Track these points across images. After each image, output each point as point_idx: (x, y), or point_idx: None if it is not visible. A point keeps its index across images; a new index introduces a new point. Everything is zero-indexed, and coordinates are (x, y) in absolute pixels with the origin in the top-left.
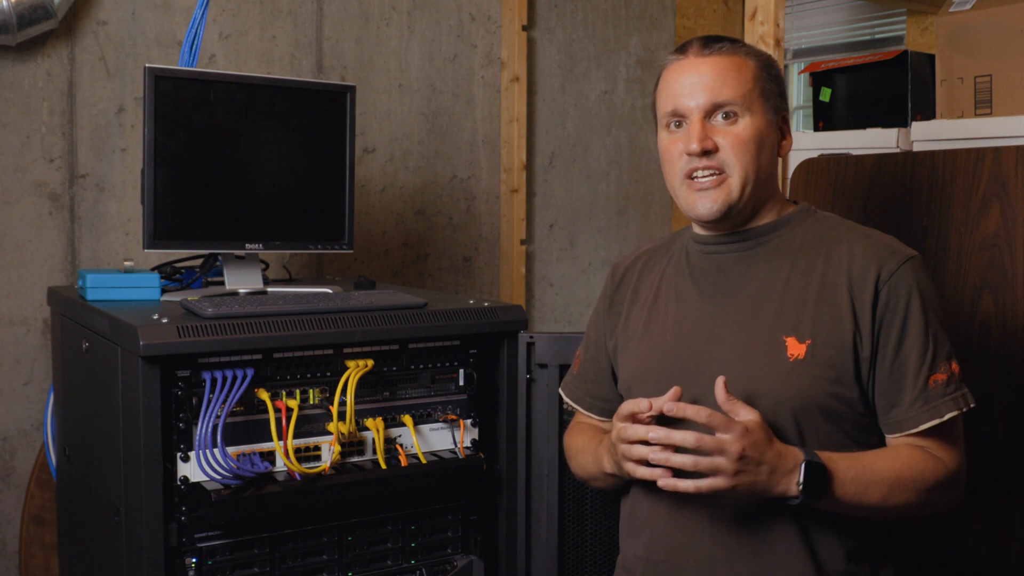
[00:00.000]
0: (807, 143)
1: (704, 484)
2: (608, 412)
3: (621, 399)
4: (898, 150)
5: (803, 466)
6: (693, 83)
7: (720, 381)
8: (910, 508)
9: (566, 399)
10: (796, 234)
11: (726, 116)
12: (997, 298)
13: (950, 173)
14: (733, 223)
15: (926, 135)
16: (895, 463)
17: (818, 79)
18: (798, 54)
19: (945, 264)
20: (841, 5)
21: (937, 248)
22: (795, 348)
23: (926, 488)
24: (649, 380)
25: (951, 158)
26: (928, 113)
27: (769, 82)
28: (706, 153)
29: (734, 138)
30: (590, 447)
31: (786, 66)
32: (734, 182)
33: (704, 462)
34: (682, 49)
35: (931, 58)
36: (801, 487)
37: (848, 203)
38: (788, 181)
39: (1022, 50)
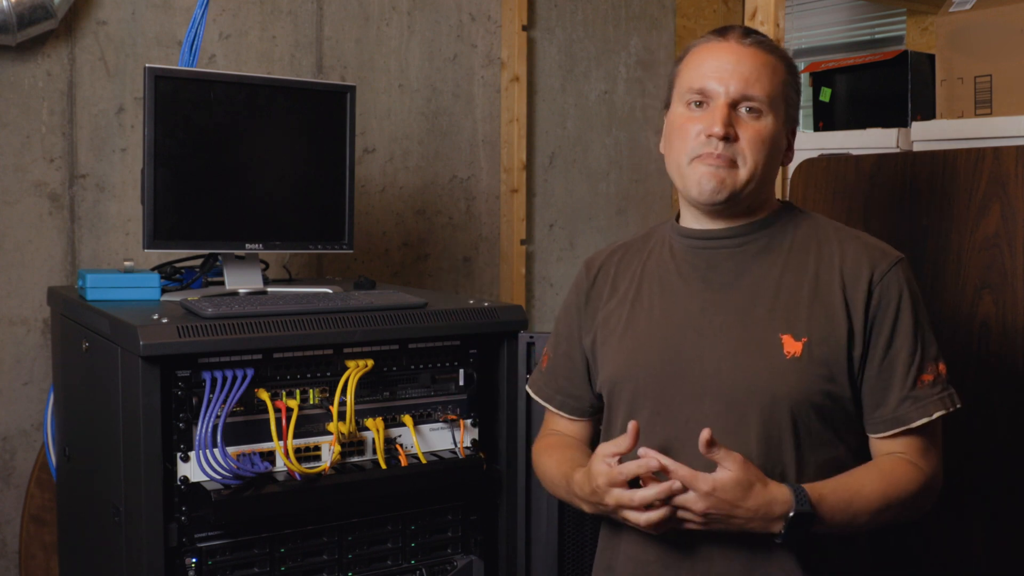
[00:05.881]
0: (807, 143)
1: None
2: (579, 411)
3: (594, 397)
4: (898, 150)
5: (789, 517)
6: (730, 67)
7: (705, 433)
8: (890, 522)
9: (534, 397)
10: (786, 232)
11: (750, 111)
12: (997, 298)
13: (950, 173)
14: (727, 215)
15: (926, 135)
16: (881, 484)
17: (818, 79)
18: (798, 54)
19: (945, 264)
20: (841, 5)
21: (937, 248)
22: (791, 346)
23: (910, 501)
24: (636, 375)
25: (951, 158)
26: (928, 113)
27: (793, 91)
28: (726, 139)
29: (755, 133)
30: (559, 477)
31: None
32: (742, 173)
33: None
34: (723, 32)
35: (931, 58)
36: (783, 533)
37: (848, 203)
38: (788, 181)
39: (1022, 50)
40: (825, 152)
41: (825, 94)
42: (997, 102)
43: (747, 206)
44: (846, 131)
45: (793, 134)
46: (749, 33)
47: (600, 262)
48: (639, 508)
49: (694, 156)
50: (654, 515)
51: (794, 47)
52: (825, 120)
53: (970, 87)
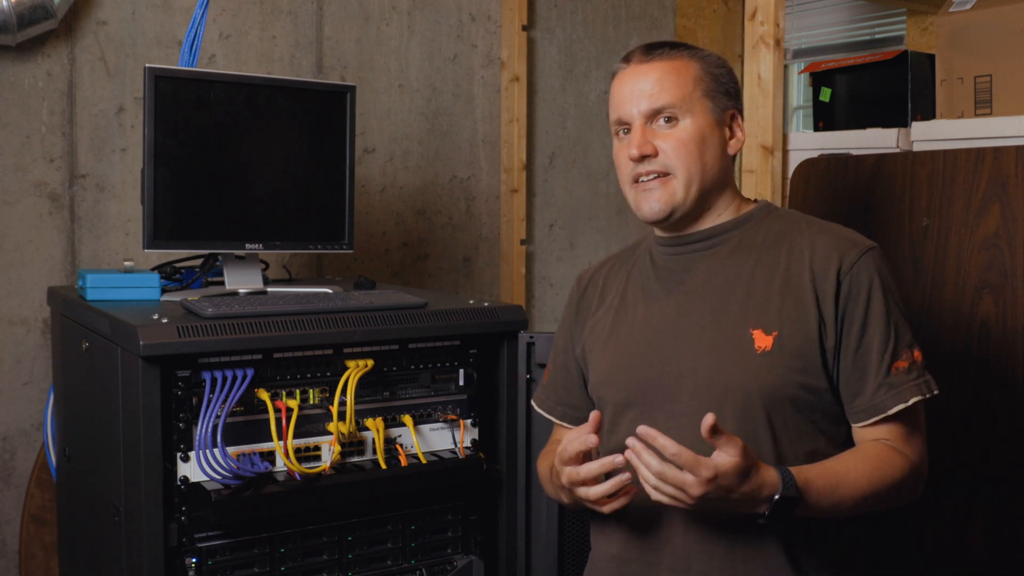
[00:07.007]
0: (807, 143)
1: (664, 499)
2: (579, 420)
3: (591, 405)
4: (898, 150)
5: (775, 500)
6: (633, 90)
7: (709, 419)
8: (877, 508)
9: (538, 410)
10: (759, 231)
11: (667, 120)
12: (997, 298)
13: (950, 173)
14: (683, 222)
15: (926, 135)
16: (867, 469)
17: (818, 79)
18: (798, 54)
19: (945, 264)
20: (841, 5)
21: (937, 248)
22: (762, 340)
23: (895, 488)
24: (619, 379)
25: (951, 158)
26: (928, 113)
27: (712, 81)
28: (645, 158)
29: (675, 141)
30: (547, 473)
31: (786, 66)
32: (678, 183)
33: (667, 488)
34: (626, 58)
35: (931, 58)
36: (767, 515)
37: (848, 203)
38: (788, 181)
39: (1022, 50)
40: (825, 152)
41: (825, 94)
42: (997, 102)
43: (707, 205)
44: (846, 131)
45: (734, 119)
46: (651, 49)
47: (590, 275)
48: (588, 484)
49: (631, 181)
50: (602, 489)
51: (794, 47)
52: (825, 120)
53: (970, 87)
